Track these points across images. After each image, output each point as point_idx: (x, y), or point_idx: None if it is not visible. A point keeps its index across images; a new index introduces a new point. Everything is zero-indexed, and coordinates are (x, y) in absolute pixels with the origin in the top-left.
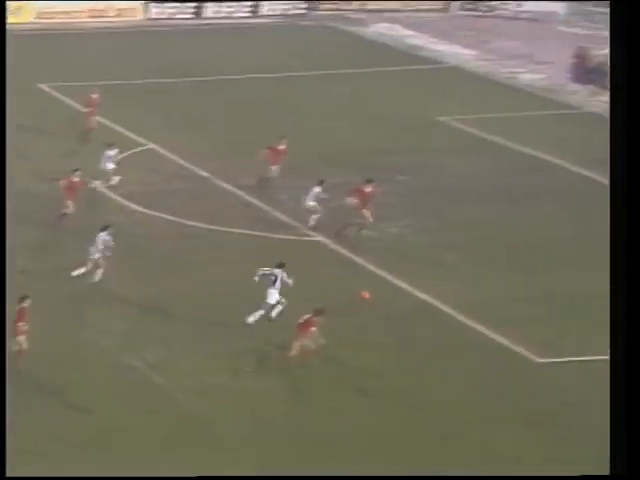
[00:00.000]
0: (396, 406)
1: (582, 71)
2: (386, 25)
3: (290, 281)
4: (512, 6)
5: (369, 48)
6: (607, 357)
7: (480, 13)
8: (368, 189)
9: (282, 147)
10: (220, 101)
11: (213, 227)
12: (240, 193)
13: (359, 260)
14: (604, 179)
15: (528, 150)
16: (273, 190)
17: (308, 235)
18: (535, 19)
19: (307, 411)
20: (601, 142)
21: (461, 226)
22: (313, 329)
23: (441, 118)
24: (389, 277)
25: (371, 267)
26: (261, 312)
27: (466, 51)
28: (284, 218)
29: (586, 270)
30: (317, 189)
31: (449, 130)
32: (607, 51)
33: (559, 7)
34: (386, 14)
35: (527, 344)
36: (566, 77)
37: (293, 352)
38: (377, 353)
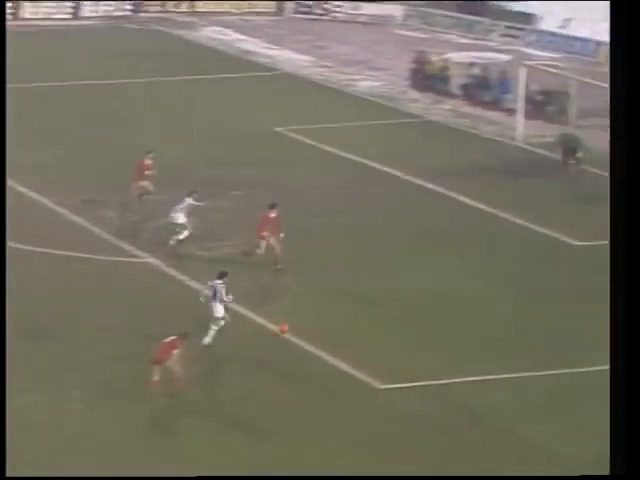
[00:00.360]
0: (243, 435)
1: (421, 77)
2: (217, 29)
3: (229, 297)
4: (348, 9)
5: (199, 53)
6: (457, 380)
7: (315, 17)
8: (273, 214)
9: (148, 162)
10: (39, 110)
11: (35, 248)
12: (64, 211)
13: (193, 283)
14: (445, 190)
15: (368, 161)
16: (98, 208)
17: (137, 256)
18: (372, 22)
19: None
20: (443, 152)
21: (301, 243)
22: (175, 352)
23: (277, 129)
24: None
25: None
26: (214, 328)
27: (302, 57)
28: (111, 238)
29: (428, 285)
30: (189, 200)
31: (286, 141)
32: (447, 56)
33: (396, 10)
34: (216, 17)
35: (369, 369)
36: (405, 84)
37: (155, 377)
38: (218, 381)
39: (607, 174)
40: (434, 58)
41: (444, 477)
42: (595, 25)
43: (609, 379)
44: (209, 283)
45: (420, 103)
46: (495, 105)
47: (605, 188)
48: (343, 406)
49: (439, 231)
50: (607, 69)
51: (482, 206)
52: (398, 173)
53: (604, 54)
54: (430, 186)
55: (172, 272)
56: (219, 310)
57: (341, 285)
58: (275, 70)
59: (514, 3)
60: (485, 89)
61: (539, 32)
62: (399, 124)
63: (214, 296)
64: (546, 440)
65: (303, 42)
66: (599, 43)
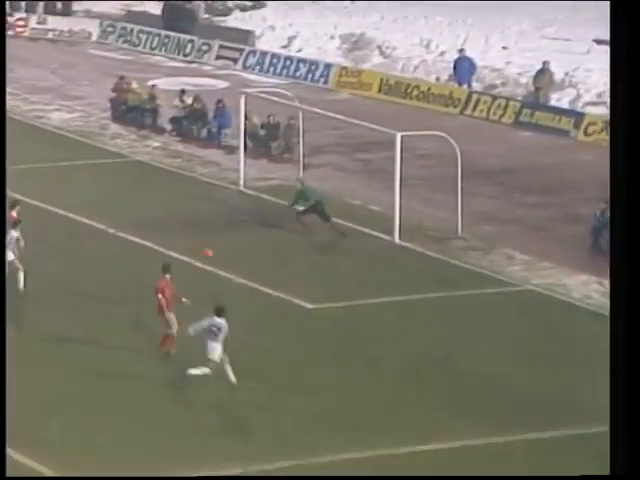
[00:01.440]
0: None
1: (124, 108)
2: None
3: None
4: (33, 23)
5: None
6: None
7: None
8: (165, 280)
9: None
10: None
11: None
12: None
13: None
14: (154, 245)
15: (62, 211)
16: None
17: None
18: (63, 40)
19: None
20: (152, 199)
21: None
22: None
23: None
24: None
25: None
26: (205, 370)
27: None
28: None
29: (120, 365)
30: (14, 233)
31: None
32: (153, 82)
33: (91, 25)
34: None
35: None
36: (105, 116)
37: None
38: None
39: (347, 223)
40: (138, 85)
41: (449, 477)
42: (323, 43)
43: (609, 377)
44: (212, 319)
45: (123, 139)
46: (212, 142)
47: (343, 241)
48: None
49: (143, 294)
50: (340, 96)
51: (199, 263)
52: (98, 225)
53: (335, 78)
54: (136, 239)
55: None
56: (217, 351)
57: None
58: None
59: (229, 18)
60: (200, 123)
61: (260, 53)
62: (99, 165)
63: (215, 335)
64: None
65: None
66: (328, 65)
